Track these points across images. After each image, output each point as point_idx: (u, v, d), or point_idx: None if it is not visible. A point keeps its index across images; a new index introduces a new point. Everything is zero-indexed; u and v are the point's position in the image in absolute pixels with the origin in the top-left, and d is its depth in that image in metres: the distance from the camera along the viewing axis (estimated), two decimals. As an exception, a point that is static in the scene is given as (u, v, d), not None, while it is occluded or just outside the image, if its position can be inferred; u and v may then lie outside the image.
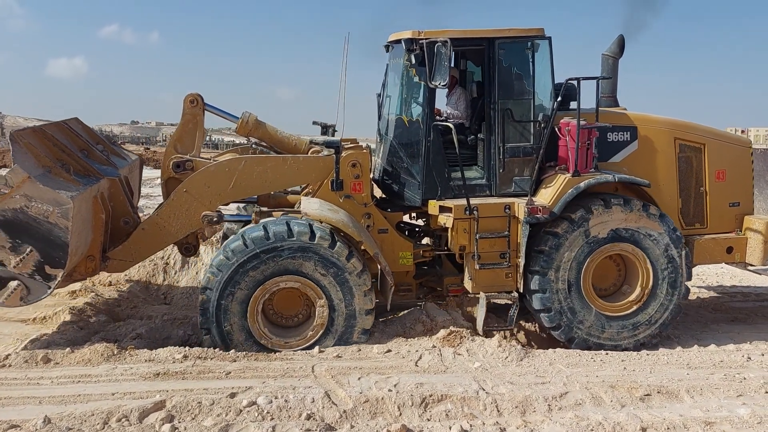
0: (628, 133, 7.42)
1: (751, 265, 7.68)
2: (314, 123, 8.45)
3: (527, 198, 6.96)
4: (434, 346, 6.47)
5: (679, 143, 7.54)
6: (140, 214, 7.89)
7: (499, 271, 7.08)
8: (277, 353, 6.34)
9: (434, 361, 6.17)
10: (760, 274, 7.91)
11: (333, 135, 8.17)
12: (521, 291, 7.12)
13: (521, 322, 7.92)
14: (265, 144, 7.85)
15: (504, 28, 7.13)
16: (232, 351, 6.28)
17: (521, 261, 6.94)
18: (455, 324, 7.01)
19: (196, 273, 9.47)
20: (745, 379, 5.95)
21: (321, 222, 6.59)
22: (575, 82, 6.99)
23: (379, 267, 6.91)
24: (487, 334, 6.96)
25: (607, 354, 6.67)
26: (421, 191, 7.18)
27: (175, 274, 9.49)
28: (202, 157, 7.43)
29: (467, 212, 6.90)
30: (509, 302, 7.13)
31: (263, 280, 6.44)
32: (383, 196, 7.81)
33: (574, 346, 7.02)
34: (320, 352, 6.38)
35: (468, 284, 7.18)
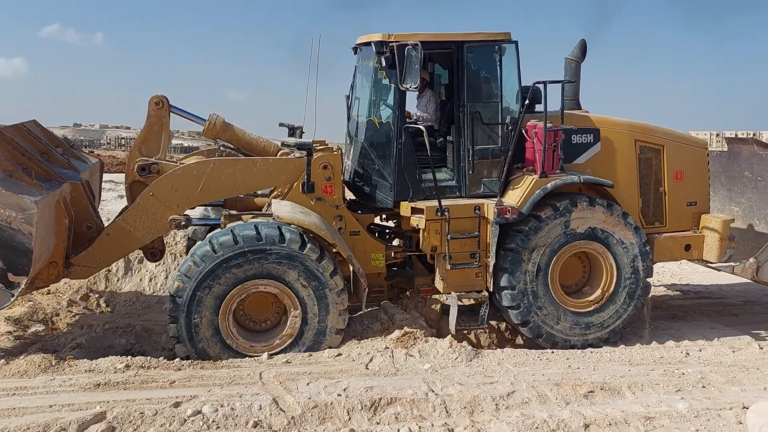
0: (591, 135, 7.63)
1: (710, 263, 7.97)
2: (281, 125, 8.39)
3: (496, 199, 7.09)
4: (387, 348, 6.46)
5: (639, 145, 7.79)
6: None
7: (470, 271, 7.19)
8: (223, 361, 6.23)
9: (385, 363, 6.16)
10: (720, 270, 8.19)
11: (300, 137, 8.12)
12: (491, 290, 7.24)
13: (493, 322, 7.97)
14: (232, 146, 7.75)
15: (472, 32, 7.24)
16: (177, 360, 6.15)
17: (491, 261, 7.07)
18: (413, 323, 7.05)
19: (140, 280, 9.23)
20: (683, 374, 6.15)
21: (292, 224, 6.53)
22: (540, 86, 7.14)
23: (352, 269, 6.90)
24: (441, 334, 7.04)
25: (552, 353, 6.80)
26: (393, 193, 7.22)
27: (118, 281, 9.23)
28: (169, 160, 7.29)
29: (438, 213, 6.98)
30: (480, 302, 7.24)
31: (244, 279, 6.37)
32: (353, 197, 7.81)
33: (527, 330, 7.19)
34: (269, 357, 6.30)
35: (439, 284, 7.26)
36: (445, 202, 7.04)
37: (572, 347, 7.16)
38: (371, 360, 6.22)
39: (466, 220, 7.11)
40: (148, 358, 6.10)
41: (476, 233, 7.10)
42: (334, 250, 6.74)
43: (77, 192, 6.77)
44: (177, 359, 6.18)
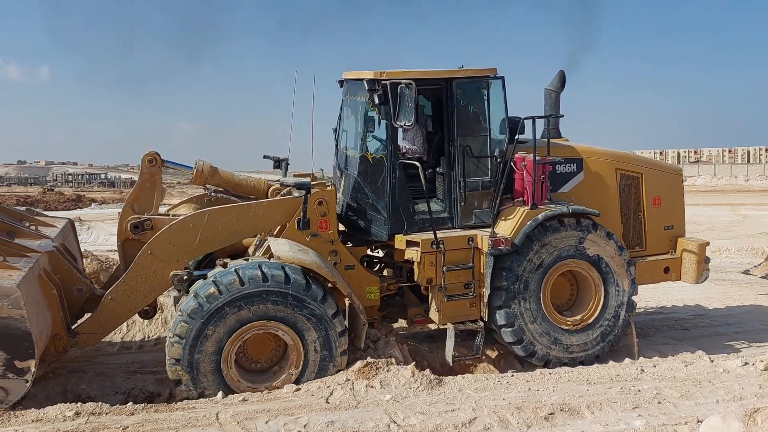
0: (575, 165, 7.90)
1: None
2: (265, 157, 8.42)
3: (489, 230, 7.22)
4: (347, 380, 6.37)
5: (619, 173, 8.09)
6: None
7: (464, 302, 7.27)
8: (178, 403, 6.04)
9: (346, 396, 6.07)
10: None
11: (286, 169, 8.20)
12: (485, 320, 7.32)
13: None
14: (222, 189, 7.70)
15: (461, 68, 7.43)
16: (130, 404, 5.95)
17: (486, 291, 7.16)
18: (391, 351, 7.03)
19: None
20: (639, 391, 6.24)
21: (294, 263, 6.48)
22: (528, 120, 7.28)
23: (347, 304, 6.86)
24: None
25: (512, 376, 6.83)
26: (388, 226, 7.28)
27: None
28: (161, 215, 7.25)
29: (434, 246, 7.04)
30: (476, 331, 7.31)
31: (253, 319, 6.29)
32: (344, 229, 7.79)
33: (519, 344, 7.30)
34: (224, 397, 6.14)
35: (434, 315, 7.32)
36: (438, 234, 7.12)
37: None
38: (331, 393, 6.12)
39: (460, 251, 7.20)
40: (99, 403, 5.87)
41: (471, 264, 7.19)
42: (329, 285, 6.66)
43: (55, 260, 6.77)
44: (130, 403, 5.97)
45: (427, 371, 6.73)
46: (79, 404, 5.82)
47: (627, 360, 7.39)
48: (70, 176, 70.47)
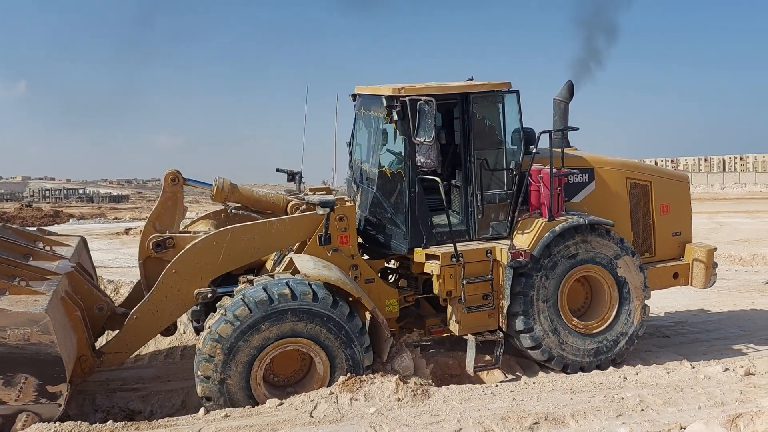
0: (587, 174, 8.02)
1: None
2: (278, 170, 8.49)
3: (508, 242, 7.29)
4: (332, 393, 6.30)
5: (630, 182, 8.24)
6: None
7: (483, 313, 7.33)
8: (160, 420, 5.95)
9: (330, 409, 6.00)
10: None
11: (300, 182, 8.29)
12: (505, 330, 7.37)
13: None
14: (240, 205, 7.71)
15: (476, 82, 7.52)
16: (110, 422, 5.86)
17: (505, 303, 7.21)
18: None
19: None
20: (623, 399, 6.24)
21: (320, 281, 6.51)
22: (541, 132, 7.39)
23: (368, 318, 6.89)
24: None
25: (497, 386, 6.83)
26: (407, 240, 7.32)
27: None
28: (181, 232, 7.30)
29: (454, 259, 7.08)
30: (496, 341, 7.37)
31: (288, 335, 6.31)
32: (361, 241, 7.81)
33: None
34: (206, 413, 6.06)
35: (454, 327, 7.37)
36: (458, 247, 7.14)
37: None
38: (315, 407, 6.04)
39: (479, 263, 7.25)
40: (78, 422, 5.72)
41: (489, 276, 7.25)
42: (351, 298, 6.68)
43: (75, 280, 6.80)
44: (110, 422, 5.87)
45: (411, 382, 6.72)
46: (57, 423, 5.63)
47: (610, 368, 7.44)
48: (47, 192, 69.55)
